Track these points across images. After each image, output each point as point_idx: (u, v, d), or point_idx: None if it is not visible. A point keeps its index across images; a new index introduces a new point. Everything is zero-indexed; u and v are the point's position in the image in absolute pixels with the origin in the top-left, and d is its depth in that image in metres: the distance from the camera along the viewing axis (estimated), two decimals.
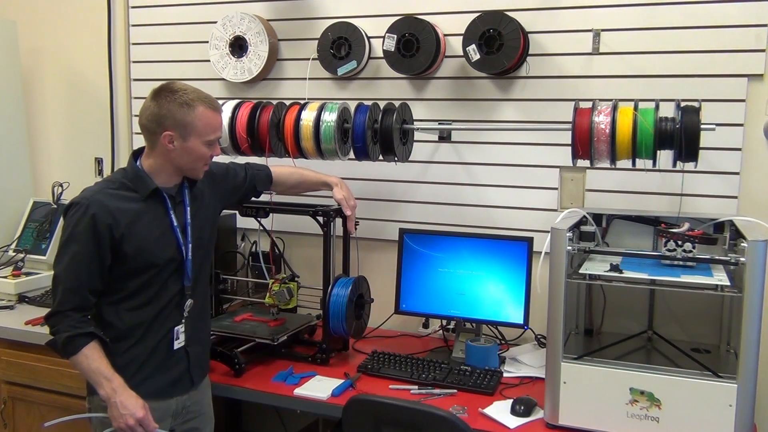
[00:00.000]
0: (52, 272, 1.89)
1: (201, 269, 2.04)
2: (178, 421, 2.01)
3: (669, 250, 1.93)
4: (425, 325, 2.66)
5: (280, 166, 2.41)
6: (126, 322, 1.90)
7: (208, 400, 2.13)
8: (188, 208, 1.99)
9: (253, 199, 2.72)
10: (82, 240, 1.83)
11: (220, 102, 2.52)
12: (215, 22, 2.91)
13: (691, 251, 1.91)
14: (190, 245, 1.97)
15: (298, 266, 2.72)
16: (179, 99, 1.86)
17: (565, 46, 2.48)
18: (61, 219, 1.97)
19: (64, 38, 3.39)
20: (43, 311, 2.68)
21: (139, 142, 3.29)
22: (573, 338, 2.26)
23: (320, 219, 2.36)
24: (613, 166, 2.11)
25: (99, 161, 3.36)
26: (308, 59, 2.81)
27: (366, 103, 2.43)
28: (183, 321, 1.98)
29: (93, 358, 1.83)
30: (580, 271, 1.98)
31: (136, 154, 1.98)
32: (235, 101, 2.56)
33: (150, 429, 1.85)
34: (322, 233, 2.36)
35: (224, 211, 2.62)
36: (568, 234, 1.90)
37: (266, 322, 2.47)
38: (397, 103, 2.42)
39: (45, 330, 2.51)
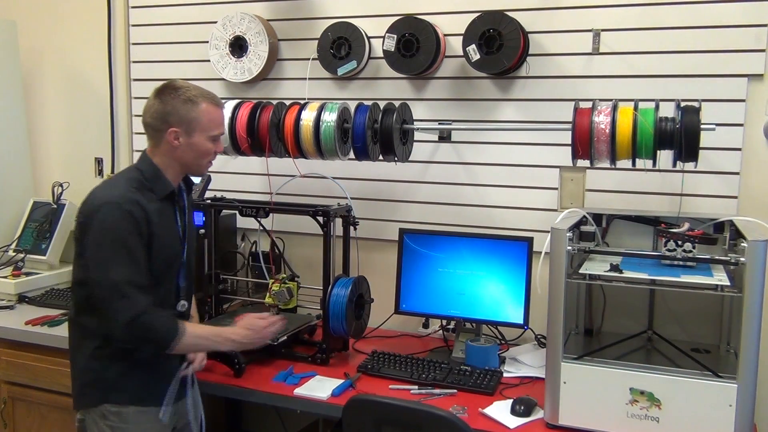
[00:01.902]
0: (101, 280, 1.79)
1: (192, 272, 2.07)
2: (182, 421, 2.04)
3: (669, 250, 1.93)
4: (425, 325, 2.66)
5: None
6: None
7: (198, 392, 2.16)
8: (186, 211, 2.03)
9: (253, 198, 2.74)
10: (131, 237, 1.80)
11: None
12: (215, 22, 2.91)
13: (691, 251, 1.91)
14: (185, 245, 2.00)
15: (298, 266, 2.72)
16: (183, 96, 1.89)
17: (565, 46, 2.48)
18: (74, 221, 1.90)
19: (64, 38, 3.39)
20: (43, 311, 2.72)
21: (139, 142, 3.31)
22: (573, 338, 2.26)
23: (320, 219, 2.36)
24: (613, 166, 2.12)
25: (99, 161, 3.36)
26: (308, 59, 2.81)
27: (366, 103, 2.43)
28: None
29: (195, 331, 1.91)
30: (580, 271, 1.98)
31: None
32: (235, 101, 2.56)
33: (281, 323, 2.06)
34: (322, 233, 2.36)
35: (224, 210, 2.64)
36: (568, 234, 1.90)
37: None
38: (397, 103, 2.42)
39: (45, 330, 2.54)
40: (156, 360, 1.92)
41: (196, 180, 2.74)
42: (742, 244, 1.79)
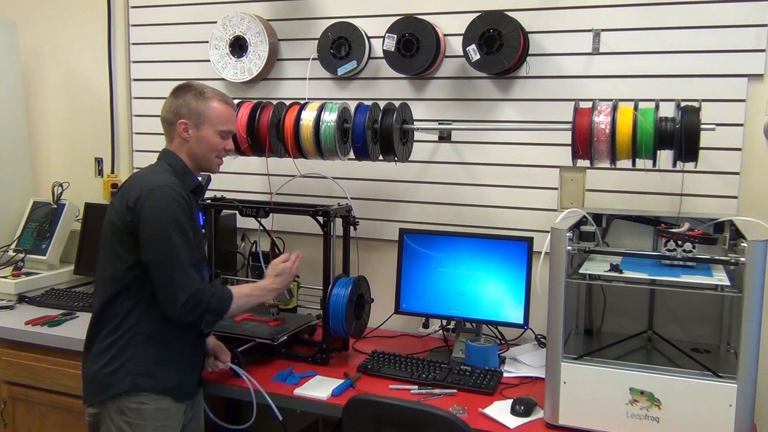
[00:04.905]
0: (163, 259, 1.85)
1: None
2: (190, 414, 2.09)
3: (669, 250, 1.93)
4: (425, 325, 2.66)
5: None
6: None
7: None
8: (200, 212, 2.13)
9: (253, 198, 2.74)
10: (183, 217, 1.89)
11: None
12: (215, 22, 2.91)
13: (691, 251, 1.91)
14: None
15: None
16: (195, 91, 2.01)
17: (565, 46, 2.48)
18: (115, 203, 1.97)
19: (64, 38, 3.39)
20: (43, 311, 2.72)
21: (139, 142, 3.31)
22: (573, 338, 2.26)
23: (320, 219, 2.36)
24: (613, 166, 2.11)
25: (99, 161, 3.36)
26: (308, 59, 2.81)
27: (366, 103, 2.43)
28: None
29: (241, 291, 2.01)
30: (580, 271, 1.98)
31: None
32: (235, 101, 2.55)
33: (300, 258, 2.18)
34: (322, 233, 2.36)
35: (224, 210, 2.64)
36: (568, 234, 1.90)
37: (266, 322, 2.46)
38: (397, 103, 2.42)
39: (45, 330, 2.54)
40: (186, 351, 2.00)
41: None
42: (742, 244, 1.79)
